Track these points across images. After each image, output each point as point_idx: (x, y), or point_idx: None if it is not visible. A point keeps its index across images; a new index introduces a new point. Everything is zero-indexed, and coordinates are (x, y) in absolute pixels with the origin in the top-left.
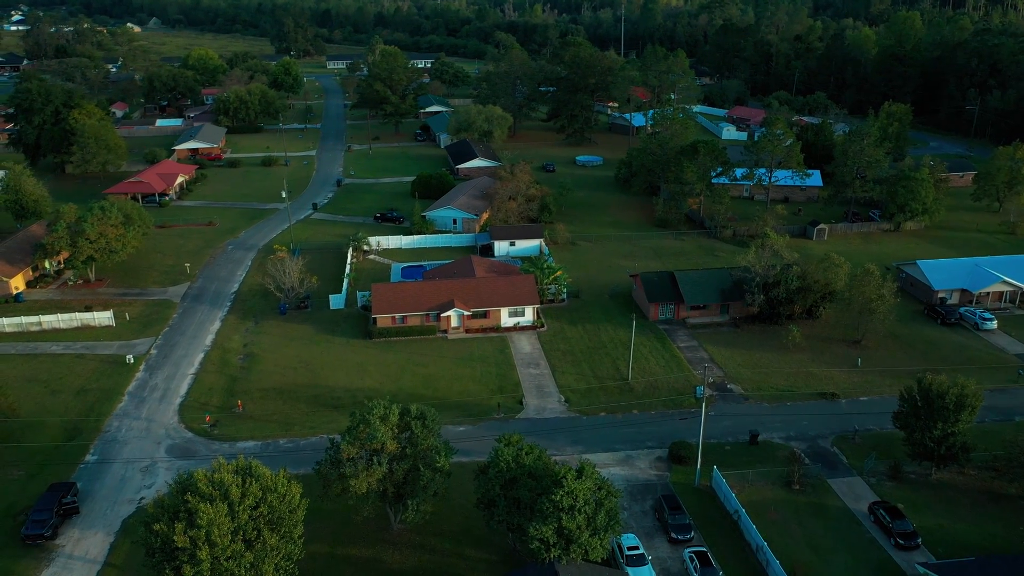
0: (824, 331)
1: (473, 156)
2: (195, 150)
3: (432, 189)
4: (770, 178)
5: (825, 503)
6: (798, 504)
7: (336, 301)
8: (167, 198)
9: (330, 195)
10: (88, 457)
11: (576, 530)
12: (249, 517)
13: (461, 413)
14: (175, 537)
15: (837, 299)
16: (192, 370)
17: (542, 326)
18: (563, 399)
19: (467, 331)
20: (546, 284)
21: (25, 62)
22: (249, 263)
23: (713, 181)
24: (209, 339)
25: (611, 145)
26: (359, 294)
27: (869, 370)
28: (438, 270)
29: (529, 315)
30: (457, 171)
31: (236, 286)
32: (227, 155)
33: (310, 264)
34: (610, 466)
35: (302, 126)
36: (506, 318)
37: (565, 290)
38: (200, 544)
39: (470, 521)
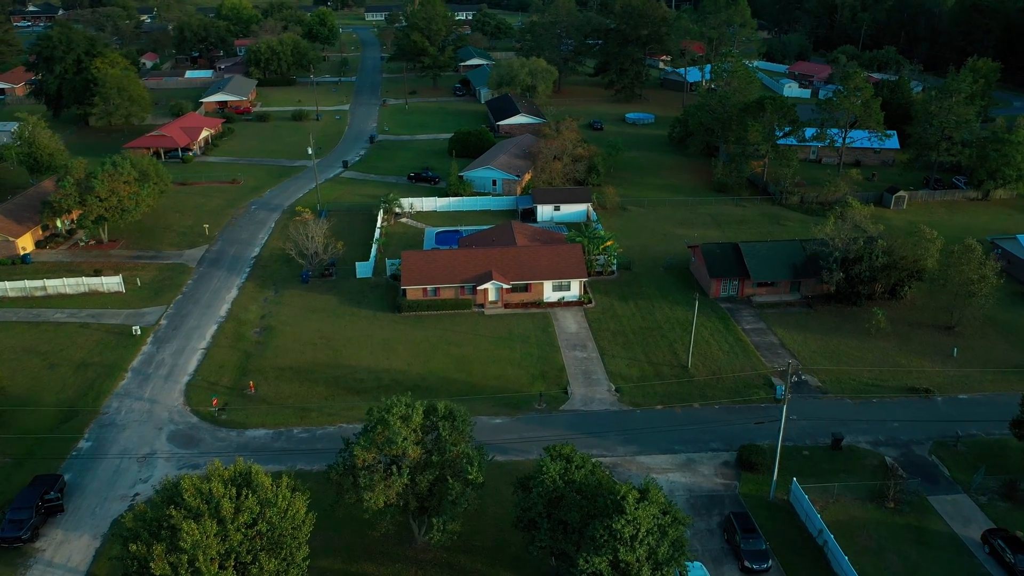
0: (910, 314)
1: (515, 112)
2: (223, 103)
3: (471, 147)
4: (844, 139)
5: (927, 526)
6: (894, 526)
7: (363, 269)
8: (190, 153)
9: (362, 152)
10: (81, 443)
11: (635, 563)
12: (244, 537)
13: (497, 402)
14: (151, 564)
15: (926, 278)
16: (203, 344)
17: (589, 302)
18: (613, 388)
19: (506, 306)
20: (594, 255)
21: (60, 12)
22: (272, 225)
23: (778, 142)
24: (224, 309)
25: (663, 102)
26: (388, 262)
27: (967, 362)
28: (475, 237)
29: (575, 289)
30: (497, 128)
31: (257, 250)
32: (256, 108)
33: (337, 227)
34: (669, 471)
35: (336, 79)
36: (549, 292)
37: (615, 261)
38: (182, 572)
39: (505, 535)
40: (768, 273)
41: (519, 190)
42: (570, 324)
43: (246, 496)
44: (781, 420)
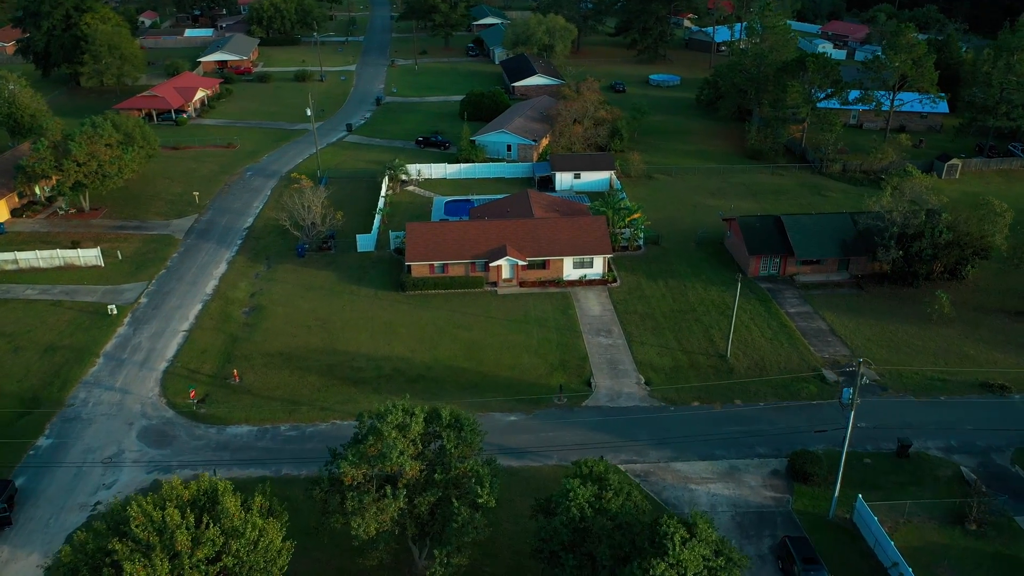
0: (974, 297)
1: (532, 72)
2: (223, 63)
3: (484, 110)
4: (892, 101)
5: (1018, 554)
6: (979, 554)
7: (364, 242)
8: (184, 115)
9: (367, 115)
10: (40, 441)
11: None
12: None
13: (511, 396)
14: None
15: (993, 256)
16: (185, 326)
17: (614, 280)
18: (643, 380)
19: (521, 285)
20: (619, 228)
21: None
22: (268, 193)
23: (818, 105)
24: (211, 286)
25: (689, 63)
26: (392, 234)
27: None
28: (487, 207)
29: (598, 267)
30: (513, 90)
31: (250, 221)
32: (258, 69)
33: (338, 196)
34: (710, 482)
35: (343, 39)
36: (570, 269)
37: (642, 235)
38: None
39: (522, 559)
40: (815, 250)
41: (536, 156)
42: (593, 306)
43: (208, 525)
44: (847, 429)
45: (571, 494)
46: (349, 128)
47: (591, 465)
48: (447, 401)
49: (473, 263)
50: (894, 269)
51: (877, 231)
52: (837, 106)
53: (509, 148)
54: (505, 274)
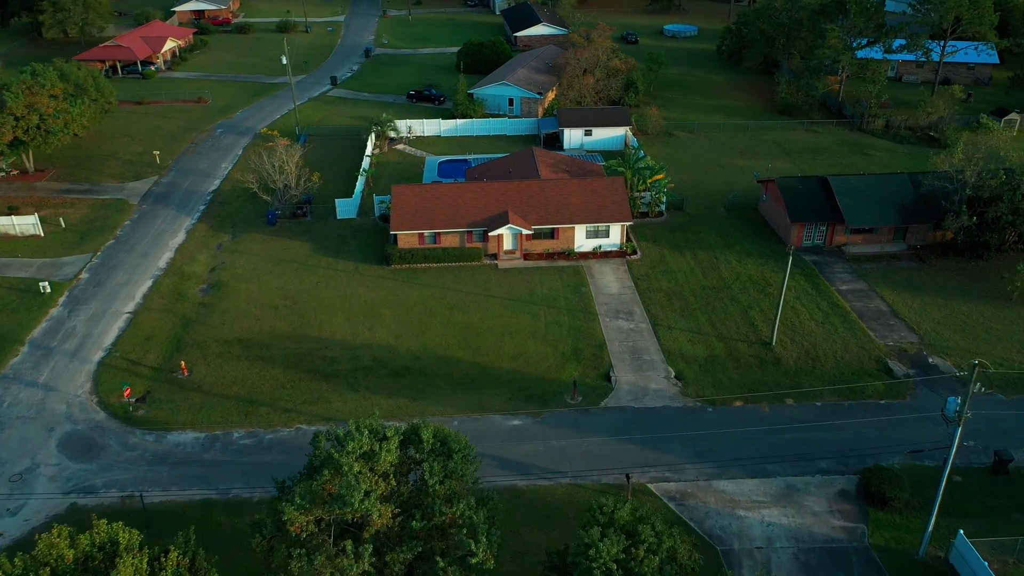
0: None
1: (536, 21)
2: (200, 12)
3: (483, 61)
4: (943, 49)
5: None
6: None
7: (345, 208)
8: (152, 68)
9: (355, 68)
10: None
11: None
12: None
13: (515, 393)
14: None
15: None
16: (130, 307)
17: (634, 252)
18: (673, 374)
19: (525, 257)
20: (638, 191)
21: None
22: (239, 152)
23: (858, 54)
24: (165, 259)
25: (706, 14)
26: (377, 199)
27: None
28: (487, 167)
29: (616, 236)
30: (515, 40)
31: (216, 183)
32: (238, 19)
33: (318, 155)
34: (762, 506)
35: None
36: (582, 239)
37: (665, 200)
38: None
39: None
40: (868, 216)
41: (541, 111)
42: (610, 282)
43: None
44: (951, 449)
45: (591, 551)
46: (334, 81)
47: (612, 509)
48: (437, 400)
49: (469, 232)
50: (956, 238)
51: (944, 194)
52: (879, 55)
53: (511, 102)
54: (507, 245)
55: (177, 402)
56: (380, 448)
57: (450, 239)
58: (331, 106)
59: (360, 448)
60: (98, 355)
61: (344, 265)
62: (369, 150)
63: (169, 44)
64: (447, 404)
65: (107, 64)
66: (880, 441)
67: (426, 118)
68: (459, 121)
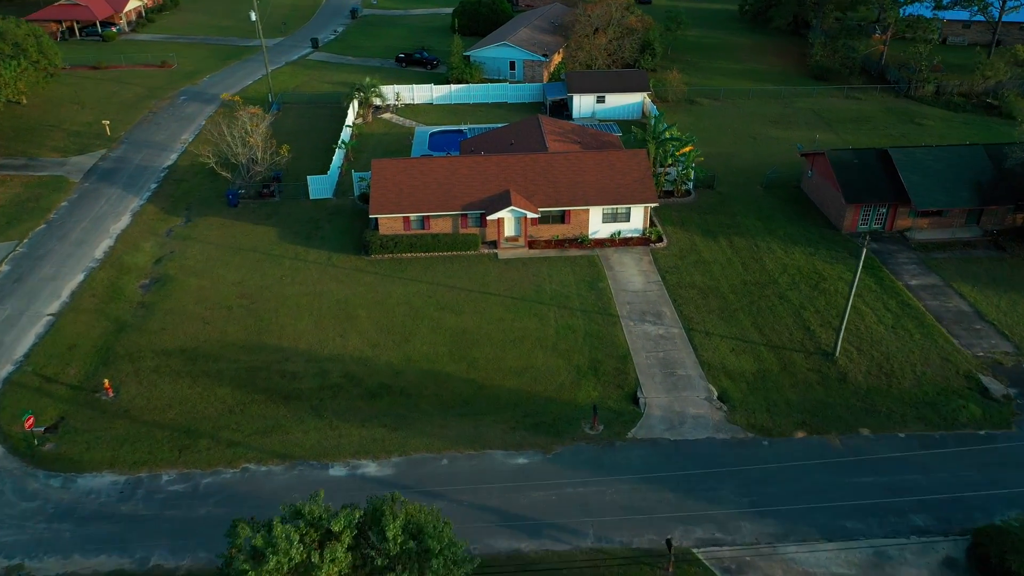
0: None
1: None
2: None
3: (481, 21)
4: (1003, 5)
5: None
6: None
7: (319, 186)
8: (114, 29)
9: (339, 29)
10: None
11: None
12: None
13: (519, 421)
14: None
15: None
16: (53, 307)
17: (659, 239)
18: (715, 394)
19: (531, 245)
20: (664, 166)
21: None
22: (203, 122)
23: (904, 11)
24: (103, 248)
25: None
26: (356, 176)
27: None
28: (485, 138)
29: (637, 220)
30: (517, 2)
31: (173, 158)
32: None
33: (292, 126)
34: None
35: None
36: (598, 224)
37: (692, 176)
38: None
39: None
40: (940, 196)
41: (547, 76)
42: (632, 275)
43: None
44: None
45: None
46: (315, 44)
47: None
48: (422, 430)
49: (464, 215)
50: None
51: None
52: (929, 13)
53: (512, 66)
54: (508, 231)
55: (96, 432)
56: (321, 559)
57: (441, 224)
58: (310, 71)
59: (288, 562)
60: (5, 370)
61: (315, 255)
62: (350, 119)
63: (133, 3)
64: (434, 435)
65: (64, 25)
66: (986, 485)
67: (416, 83)
68: (454, 87)
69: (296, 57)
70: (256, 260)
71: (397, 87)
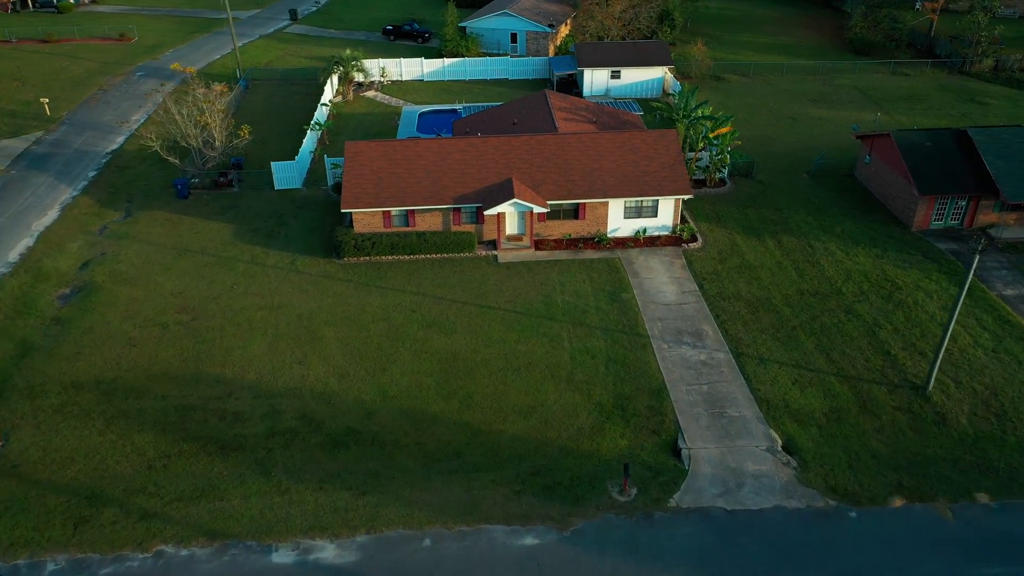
0: None
1: None
2: None
3: None
4: None
5: None
6: None
7: (286, 174)
8: (72, 0)
9: (322, 1)
10: None
11: None
12: None
13: (526, 482)
14: None
15: None
16: None
17: (692, 238)
18: (779, 443)
19: (538, 246)
20: (697, 149)
21: None
22: (159, 101)
23: None
24: (20, 248)
25: None
26: (329, 162)
27: None
28: (482, 117)
29: (666, 215)
30: None
31: (120, 141)
32: None
33: (260, 105)
34: None
35: None
36: (618, 220)
37: (729, 162)
38: None
39: None
40: None
41: (553, 49)
42: (662, 283)
43: None
44: None
45: None
46: (293, 15)
47: None
48: (397, 495)
49: (456, 210)
50: None
51: None
52: None
53: (514, 38)
54: (510, 228)
55: None
56: None
57: (429, 220)
58: (287, 44)
59: None
60: None
61: (276, 257)
62: (327, 97)
63: None
64: (414, 503)
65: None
66: None
67: (405, 58)
68: (447, 61)
69: (272, 30)
70: (204, 264)
71: (382, 61)
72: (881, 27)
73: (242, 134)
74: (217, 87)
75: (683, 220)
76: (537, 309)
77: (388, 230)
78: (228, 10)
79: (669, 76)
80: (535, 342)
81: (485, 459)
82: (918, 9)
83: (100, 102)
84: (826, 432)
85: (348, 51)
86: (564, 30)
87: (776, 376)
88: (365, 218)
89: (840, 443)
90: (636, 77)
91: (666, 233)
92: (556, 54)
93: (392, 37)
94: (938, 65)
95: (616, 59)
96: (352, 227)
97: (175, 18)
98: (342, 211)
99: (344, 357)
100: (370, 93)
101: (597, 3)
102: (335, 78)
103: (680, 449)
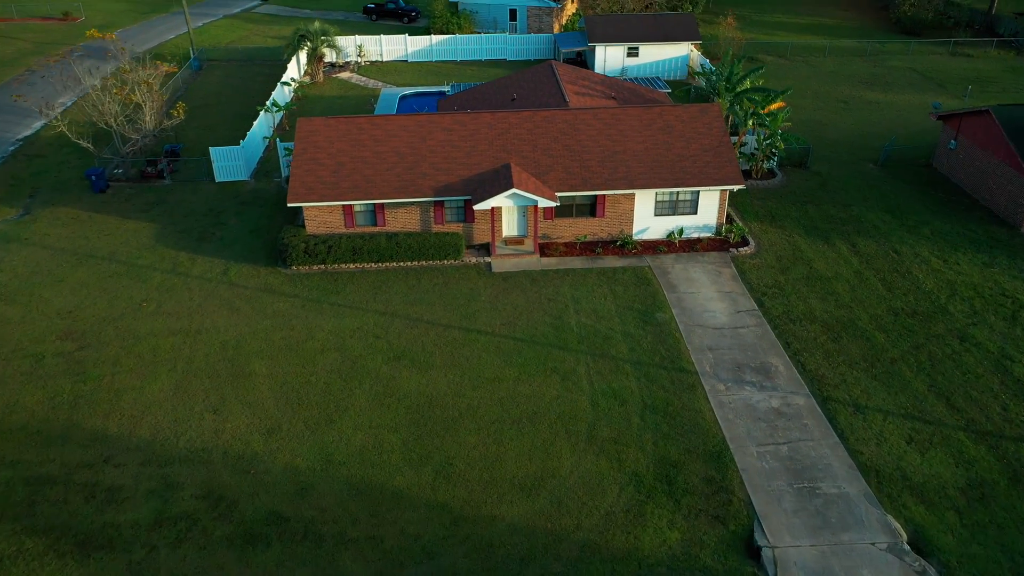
0: None
1: None
2: None
3: None
4: None
5: None
6: None
7: (228, 163)
8: None
9: None
10: None
11: None
12: None
13: None
14: None
15: None
16: None
17: (742, 242)
18: (903, 538)
19: (544, 251)
20: (742, 132)
21: None
22: (96, 83)
23: None
24: None
25: None
26: (282, 147)
27: None
28: (472, 93)
29: (709, 212)
30: None
31: (36, 127)
32: None
33: (215, 88)
34: None
35: None
36: (647, 217)
37: (782, 149)
38: None
39: None
40: None
41: (558, 27)
42: (710, 301)
43: None
44: None
45: None
46: None
47: None
48: None
49: (438, 204)
50: None
51: None
52: None
53: (513, 15)
54: (508, 227)
55: None
56: None
57: (403, 217)
58: (254, 24)
59: None
60: None
61: (205, 266)
62: (291, 75)
63: None
64: None
65: None
66: None
67: (386, 34)
68: (435, 39)
69: (238, 10)
70: (109, 275)
71: (359, 38)
72: (933, 4)
73: (175, 114)
74: (163, 66)
75: (728, 219)
76: (544, 335)
77: (350, 230)
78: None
79: (696, 54)
80: (542, 381)
81: (470, 563)
82: None
83: (24, 84)
84: (969, 519)
85: (317, 23)
86: (571, 7)
87: (882, 431)
88: (320, 215)
89: (994, 538)
90: (657, 55)
91: (708, 235)
92: (562, 31)
93: (374, 16)
94: (1003, 45)
95: (634, 33)
96: (304, 227)
97: None
98: (288, 205)
99: (277, 403)
100: (344, 74)
101: None
102: (302, 55)
103: (759, 547)
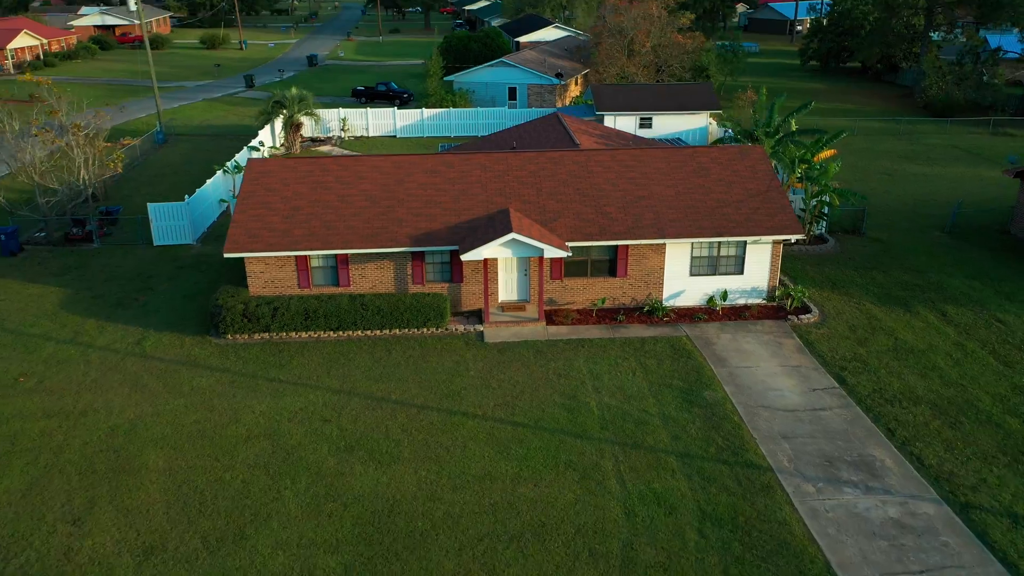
0: None
1: (544, 24)
2: (108, 27)
3: (471, 56)
4: None
5: None
6: None
7: (170, 223)
8: None
9: (291, 74)
10: None
11: None
12: None
13: None
14: None
15: None
16: None
17: (803, 309)
18: None
19: (552, 319)
20: (788, 184)
21: None
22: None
23: None
24: None
25: (756, 39)
26: (235, 202)
27: None
28: (468, 147)
29: (758, 271)
30: (518, 45)
31: None
32: (153, 32)
33: (177, 158)
34: None
35: (290, 25)
36: (681, 276)
37: (830, 211)
38: None
39: None
40: None
41: (562, 101)
42: (771, 375)
43: None
44: None
45: None
46: (249, 82)
47: None
48: None
49: (417, 257)
50: None
51: None
52: None
53: (513, 93)
54: (506, 289)
55: None
56: None
57: (372, 274)
58: (233, 106)
59: None
60: None
61: (115, 335)
62: (261, 140)
63: (25, 41)
64: None
65: None
66: None
67: (373, 108)
68: (427, 112)
69: (220, 95)
70: None
71: (344, 111)
72: (966, 83)
73: (112, 166)
74: (127, 139)
75: (783, 284)
76: (554, 418)
77: (304, 291)
78: (148, 50)
79: (714, 125)
80: (552, 480)
81: None
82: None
83: None
84: None
85: (294, 89)
86: (575, 89)
87: None
88: (268, 271)
89: None
90: (672, 126)
91: (759, 301)
92: (570, 105)
93: (364, 100)
94: None
95: (646, 103)
96: (246, 288)
97: (109, 86)
98: (225, 256)
99: (168, 510)
100: (325, 148)
101: (615, 52)
102: (278, 123)
103: None
